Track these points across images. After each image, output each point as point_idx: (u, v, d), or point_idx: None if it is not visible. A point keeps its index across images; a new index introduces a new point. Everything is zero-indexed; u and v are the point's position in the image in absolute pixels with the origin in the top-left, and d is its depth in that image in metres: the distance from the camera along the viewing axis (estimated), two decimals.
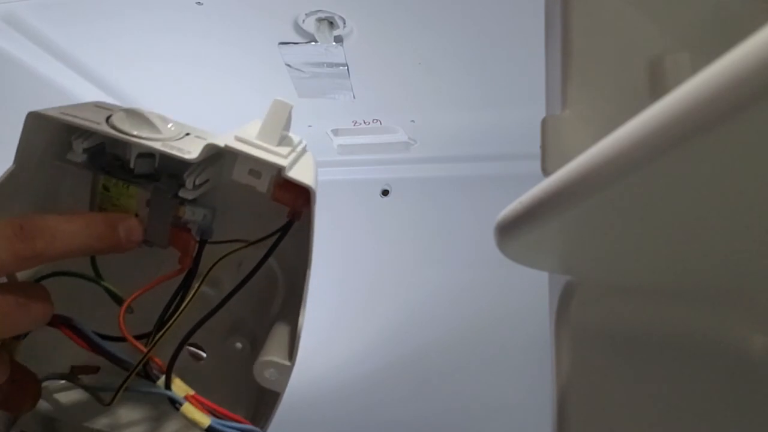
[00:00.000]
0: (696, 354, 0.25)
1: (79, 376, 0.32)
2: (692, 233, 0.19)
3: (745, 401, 0.24)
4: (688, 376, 0.25)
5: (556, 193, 0.17)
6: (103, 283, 0.30)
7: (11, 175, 0.29)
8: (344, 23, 0.59)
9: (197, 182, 0.30)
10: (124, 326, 0.28)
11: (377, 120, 0.82)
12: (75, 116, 0.28)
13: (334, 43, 0.60)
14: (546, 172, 0.27)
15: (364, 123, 0.83)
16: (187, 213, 0.31)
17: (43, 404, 0.31)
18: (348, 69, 0.66)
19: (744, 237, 0.19)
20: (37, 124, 0.29)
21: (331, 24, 0.59)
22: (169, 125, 0.30)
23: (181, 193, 0.30)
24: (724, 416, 0.25)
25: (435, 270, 0.92)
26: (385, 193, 0.98)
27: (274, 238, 0.30)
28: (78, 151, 0.29)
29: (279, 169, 0.28)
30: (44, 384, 0.30)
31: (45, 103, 0.44)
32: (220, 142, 0.28)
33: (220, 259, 0.30)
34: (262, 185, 0.29)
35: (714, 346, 0.25)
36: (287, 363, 0.30)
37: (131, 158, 0.30)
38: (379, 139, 0.89)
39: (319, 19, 0.58)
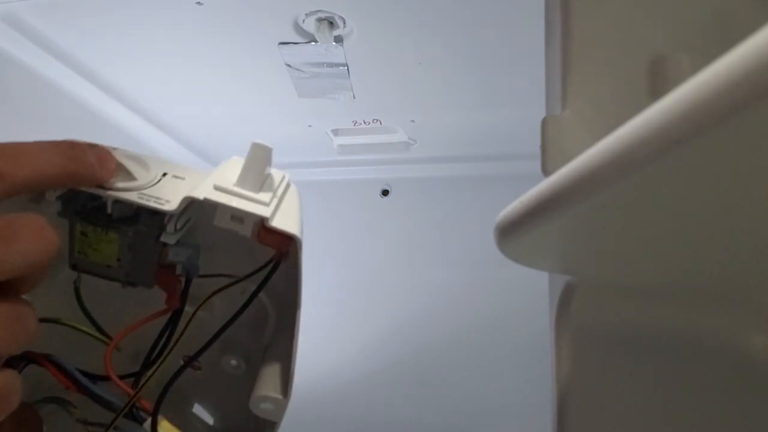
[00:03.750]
0: (696, 354, 0.25)
1: (74, 407, 0.32)
2: (692, 233, 0.19)
3: (745, 401, 0.24)
4: (688, 376, 0.25)
5: (556, 193, 0.17)
6: (87, 329, 0.30)
7: None
8: (344, 23, 0.59)
9: (178, 226, 0.29)
10: (111, 366, 0.28)
11: (377, 120, 0.82)
12: None
13: (334, 43, 0.60)
14: (546, 172, 0.27)
15: (364, 123, 0.83)
16: (171, 254, 0.30)
17: (47, 426, 0.31)
18: (348, 69, 0.66)
19: (744, 236, 0.19)
20: None
21: (331, 24, 0.59)
22: (145, 168, 0.29)
23: (163, 238, 0.29)
24: (724, 416, 0.25)
25: (435, 270, 0.92)
26: (385, 193, 0.98)
27: (262, 273, 0.30)
28: (51, 199, 0.28)
29: (262, 220, 0.27)
30: (44, 405, 0.30)
31: (45, 103, 0.43)
32: (199, 195, 0.27)
33: (205, 300, 0.30)
34: (246, 230, 0.28)
35: (714, 345, 0.25)
36: (282, 398, 0.30)
37: (108, 204, 0.29)
38: (379, 139, 0.89)
39: (319, 19, 0.58)
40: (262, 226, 0.28)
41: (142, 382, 0.29)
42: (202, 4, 0.56)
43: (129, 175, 0.28)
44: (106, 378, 0.28)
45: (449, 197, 0.94)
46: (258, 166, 0.28)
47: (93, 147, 0.26)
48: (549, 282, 0.30)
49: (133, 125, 0.82)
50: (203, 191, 0.27)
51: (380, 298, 0.93)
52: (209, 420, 0.37)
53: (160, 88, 0.76)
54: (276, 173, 0.29)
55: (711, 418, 0.25)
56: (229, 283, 0.30)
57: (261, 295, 0.31)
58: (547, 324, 0.28)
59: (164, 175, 0.29)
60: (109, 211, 0.28)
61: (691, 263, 0.23)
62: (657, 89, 0.26)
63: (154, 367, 0.29)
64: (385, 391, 0.89)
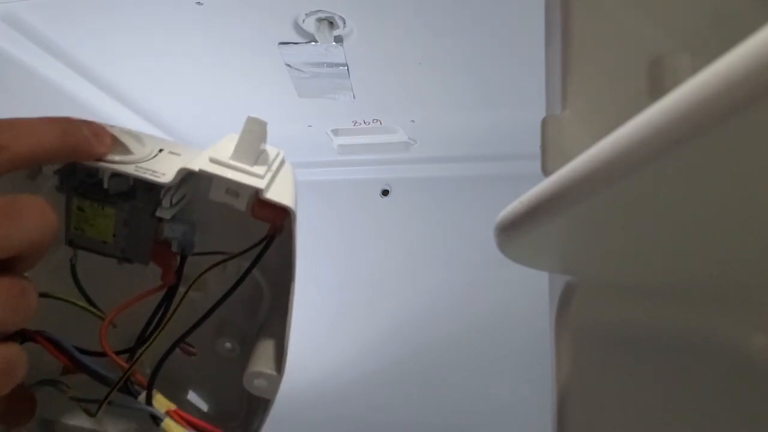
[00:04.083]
0: (696, 354, 0.25)
1: (68, 387, 0.32)
2: (692, 233, 0.19)
3: (746, 401, 0.24)
4: (688, 376, 0.25)
5: (556, 193, 0.17)
6: (82, 304, 0.30)
7: None
8: (344, 23, 0.59)
9: (174, 201, 0.29)
10: (106, 342, 0.28)
11: (377, 120, 0.82)
12: None
13: (334, 43, 0.60)
14: (546, 172, 0.27)
15: (364, 123, 0.83)
16: (167, 230, 0.30)
17: (41, 407, 0.32)
18: (348, 69, 0.66)
19: (744, 236, 0.19)
20: None
21: (331, 24, 0.59)
22: (141, 144, 0.29)
23: (159, 213, 0.29)
24: (724, 416, 0.25)
25: (435, 270, 0.92)
26: (385, 193, 0.98)
27: (257, 249, 0.30)
28: (48, 173, 0.29)
29: (256, 192, 0.28)
30: (39, 388, 0.30)
31: (45, 102, 0.43)
32: (195, 166, 0.27)
33: (200, 275, 0.30)
34: (241, 204, 0.29)
35: (714, 345, 0.25)
36: (275, 374, 0.30)
37: (104, 178, 0.29)
38: (379, 139, 0.89)
39: (319, 19, 0.58)
40: (256, 199, 0.28)
41: (137, 355, 0.29)
42: (202, 4, 0.56)
43: (125, 149, 0.28)
44: (100, 354, 0.29)
45: (449, 197, 0.94)
46: (253, 139, 0.28)
47: (88, 123, 0.27)
48: (549, 282, 0.30)
49: (133, 125, 0.82)
50: (199, 163, 0.27)
51: (380, 298, 0.93)
52: (204, 407, 0.37)
53: (159, 87, 0.76)
54: (271, 149, 0.30)
55: (711, 418, 0.25)
56: (223, 259, 0.30)
57: (256, 272, 0.32)
58: (547, 324, 0.28)
59: (160, 150, 0.29)
60: (105, 185, 0.29)
61: (691, 263, 0.23)
62: (657, 89, 0.26)
63: (149, 342, 0.29)
64: (385, 391, 0.89)
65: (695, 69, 0.12)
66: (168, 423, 0.28)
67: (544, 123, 0.28)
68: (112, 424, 0.32)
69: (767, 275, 0.23)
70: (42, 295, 0.28)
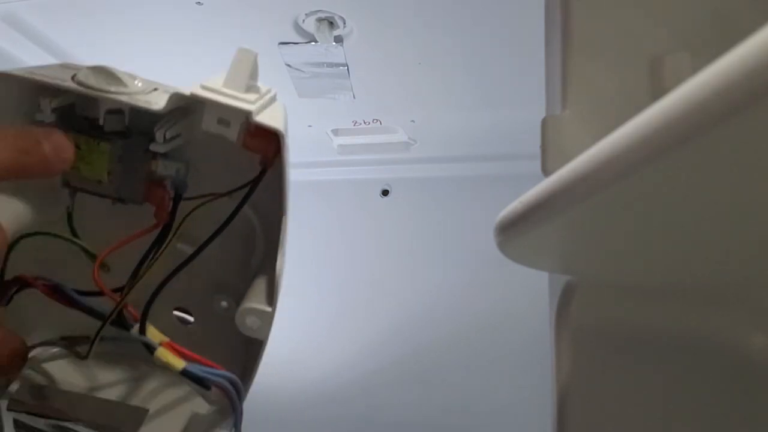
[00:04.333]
0: (696, 354, 0.25)
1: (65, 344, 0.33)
2: (692, 233, 0.19)
3: (745, 401, 0.24)
4: (688, 376, 0.25)
5: (556, 193, 0.17)
6: (78, 241, 0.30)
7: None
8: (344, 23, 0.59)
9: (168, 136, 0.30)
10: (99, 278, 0.29)
11: (377, 120, 0.82)
12: (41, 75, 0.28)
13: (334, 43, 0.60)
14: (546, 172, 0.27)
15: (364, 123, 0.83)
16: (160, 167, 0.31)
17: (32, 373, 0.32)
18: (348, 69, 0.66)
19: (744, 236, 0.19)
20: (4, 84, 0.29)
21: (331, 24, 0.59)
22: (137, 81, 0.29)
23: (152, 147, 0.30)
24: (724, 416, 0.25)
25: (435, 270, 0.92)
26: (385, 193, 0.98)
27: (247, 188, 0.30)
28: (46, 111, 0.29)
29: (247, 115, 0.28)
30: (32, 354, 0.31)
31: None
32: (186, 91, 0.28)
33: (193, 209, 0.31)
34: (232, 133, 0.29)
35: (714, 345, 0.25)
36: (267, 309, 0.30)
37: (100, 115, 0.30)
38: (379, 139, 0.89)
39: (319, 19, 0.58)
40: (247, 130, 0.29)
41: (130, 286, 0.29)
42: (202, 4, 0.56)
43: (121, 83, 0.29)
44: (97, 293, 0.29)
45: (449, 197, 0.94)
46: (244, 69, 0.29)
47: (50, 136, 0.26)
48: (549, 282, 0.30)
49: None
50: (190, 89, 0.28)
51: (380, 298, 0.93)
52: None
53: None
54: (263, 86, 0.30)
55: (711, 418, 0.25)
56: (216, 195, 0.31)
57: (249, 213, 0.32)
58: (547, 324, 0.28)
59: (155, 89, 0.30)
60: (101, 122, 0.30)
61: (691, 263, 0.23)
62: (657, 89, 0.26)
63: (142, 273, 0.30)
64: (385, 391, 0.89)
65: (695, 69, 0.12)
66: (161, 351, 0.29)
67: (544, 123, 0.28)
68: (106, 376, 0.33)
69: (767, 275, 0.23)
70: (40, 233, 0.29)
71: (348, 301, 0.94)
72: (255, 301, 0.30)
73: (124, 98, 0.28)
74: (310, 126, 0.84)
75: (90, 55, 0.68)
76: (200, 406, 0.33)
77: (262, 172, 0.30)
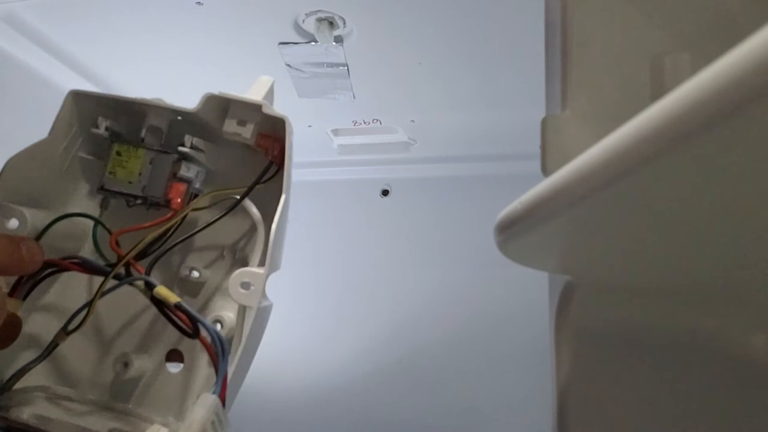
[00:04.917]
0: (696, 354, 0.25)
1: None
2: (692, 233, 0.19)
3: (746, 401, 0.24)
4: (688, 376, 0.25)
5: (556, 193, 0.17)
6: (99, 220, 0.38)
7: (42, 143, 0.38)
8: (344, 23, 0.59)
9: (194, 143, 0.38)
10: (116, 245, 0.34)
11: (377, 120, 0.82)
12: (109, 95, 0.39)
13: (334, 43, 0.60)
14: (546, 172, 0.27)
15: (364, 123, 0.83)
16: (183, 169, 0.38)
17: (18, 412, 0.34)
18: (348, 69, 0.66)
19: (744, 237, 0.19)
20: (76, 101, 0.39)
21: (331, 24, 0.59)
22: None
23: (180, 148, 0.38)
24: (724, 416, 0.25)
25: (435, 270, 0.92)
26: (385, 193, 0.98)
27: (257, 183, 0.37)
28: (101, 127, 0.39)
29: (259, 107, 0.36)
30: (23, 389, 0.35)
31: (45, 102, 0.45)
32: (215, 92, 0.37)
33: (204, 194, 0.39)
34: (248, 132, 0.37)
35: (714, 345, 0.25)
36: (260, 271, 0.34)
37: (143, 130, 0.39)
38: (379, 139, 0.89)
39: (319, 19, 0.58)
40: (260, 131, 0.37)
41: (137, 245, 0.35)
42: (202, 4, 0.56)
43: (160, 100, 0.39)
44: (115, 264, 0.35)
45: (449, 197, 0.94)
46: (262, 88, 0.38)
47: (25, 241, 0.33)
48: (549, 282, 0.30)
49: None
50: (218, 92, 0.37)
51: (380, 297, 0.93)
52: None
53: (159, 87, 0.76)
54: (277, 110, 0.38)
55: (711, 418, 0.25)
56: (225, 188, 0.38)
57: (251, 206, 0.38)
58: (547, 324, 0.28)
59: None
60: (142, 135, 0.39)
61: (691, 263, 0.23)
62: (657, 89, 0.26)
63: (150, 236, 0.36)
64: (384, 391, 0.89)
65: (695, 69, 0.12)
66: (161, 288, 0.33)
67: (544, 123, 0.28)
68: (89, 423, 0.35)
69: (767, 275, 0.23)
70: (77, 215, 0.38)
71: (347, 300, 0.94)
72: (249, 264, 0.36)
73: (161, 104, 0.38)
74: (310, 126, 0.84)
75: (90, 55, 0.68)
76: None
77: (270, 164, 0.37)
